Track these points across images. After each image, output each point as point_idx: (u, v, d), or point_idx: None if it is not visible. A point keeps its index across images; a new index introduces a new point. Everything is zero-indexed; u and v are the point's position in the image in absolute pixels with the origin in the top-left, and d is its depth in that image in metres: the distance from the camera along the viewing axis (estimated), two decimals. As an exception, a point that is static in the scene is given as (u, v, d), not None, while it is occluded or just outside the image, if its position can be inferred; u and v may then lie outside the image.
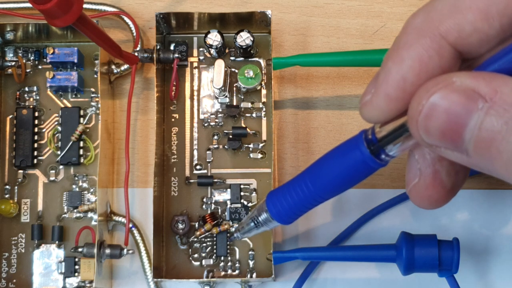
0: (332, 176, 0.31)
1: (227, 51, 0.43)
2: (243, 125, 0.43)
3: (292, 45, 0.44)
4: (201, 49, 0.43)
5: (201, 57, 0.43)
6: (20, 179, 0.43)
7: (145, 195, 0.43)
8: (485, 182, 0.43)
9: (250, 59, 0.43)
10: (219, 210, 0.42)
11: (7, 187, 0.43)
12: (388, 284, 0.42)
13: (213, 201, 0.42)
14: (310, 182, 0.32)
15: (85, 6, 0.42)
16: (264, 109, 0.43)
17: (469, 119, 0.26)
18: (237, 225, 0.37)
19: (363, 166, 0.30)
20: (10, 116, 0.43)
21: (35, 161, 0.43)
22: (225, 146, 0.43)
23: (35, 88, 0.43)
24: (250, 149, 0.43)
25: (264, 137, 0.43)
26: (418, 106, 0.27)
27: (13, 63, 0.43)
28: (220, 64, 0.42)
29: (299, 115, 0.43)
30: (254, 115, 0.43)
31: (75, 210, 0.42)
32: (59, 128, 0.43)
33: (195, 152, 0.43)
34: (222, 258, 0.42)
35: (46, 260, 0.42)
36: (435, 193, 0.31)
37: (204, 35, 0.42)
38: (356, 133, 0.43)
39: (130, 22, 0.43)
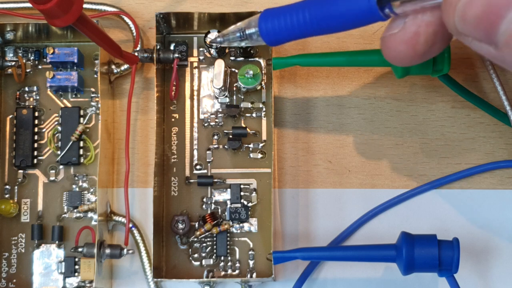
0: (332, 13, 0.32)
1: (227, 51, 0.43)
2: (243, 125, 0.43)
3: (292, 45, 0.44)
4: (201, 49, 0.43)
5: (201, 57, 0.43)
6: (20, 179, 0.43)
7: (145, 195, 0.43)
8: (485, 182, 0.43)
9: (250, 59, 0.43)
10: (219, 210, 0.42)
11: (7, 187, 0.43)
12: (388, 284, 0.42)
13: (213, 201, 0.42)
14: (309, 13, 0.33)
15: (85, 6, 0.42)
16: (264, 109, 0.43)
17: (508, 11, 0.27)
18: (222, 32, 0.37)
19: (365, 13, 0.31)
20: (10, 116, 0.43)
21: (35, 161, 0.43)
22: (225, 146, 0.43)
23: (35, 88, 0.43)
24: (250, 149, 0.43)
25: (264, 137, 0.43)
26: None
27: (13, 63, 0.43)
28: (220, 64, 0.42)
29: (299, 115, 0.44)
30: (254, 115, 0.43)
31: (75, 210, 0.42)
32: (59, 128, 0.43)
33: (195, 152, 0.43)
34: (222, 258, 0.42)
35: (46, 260, 0.42)
36: (404, 49, 0.32)
37: (204, 35, 0.42)
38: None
39: (130, 22, 0.43)
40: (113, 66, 0.43)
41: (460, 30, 0.29)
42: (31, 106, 0.43)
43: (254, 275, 0.42)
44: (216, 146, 0.43)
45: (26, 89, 0.43)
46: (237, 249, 0.42)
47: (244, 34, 0.35)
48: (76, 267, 0.42)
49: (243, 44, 0.36)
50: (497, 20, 0.27)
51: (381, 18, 0.31)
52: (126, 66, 0.43)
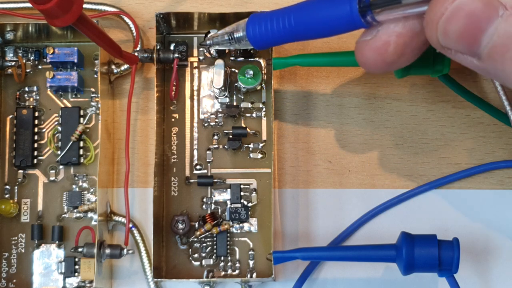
0: (315, 20, 0.34)
1: (227, 51, 0.43)
2: (243, 125, 0.43)
3: (292, 45, 0.44)
4: (201, 49, 0.43)
5: (201, 57, 0.43)
6: (20, 179, 0.43)
7: (145, 195, 0.43)
8: (485, 182, 0.43)
9: (250, 59, 0.43)
10: (219, 210, 0.42)
11: (7, 187, 0.43)
12: (388, 284, 0.42)
13: (213, 201, 0.42)
14: (294, 19, 0.34)
15: (85, 6, 0.42)
16: (264, 109, 0.43)
17: (489, 25, 0.28)
18: (211, 34, 0.38)
19: (347, 20, 0.33)
20: (10, 116, 0.43)
21: (35, 161, 0.43)
22: (225, 146, 0.43)
23: (35, 88, 0.43)
24: (250, 149, 0.43)
25: (264, 137, 0.43)
26: (440, 9, 0.28)
27: (13, 63, 0.43)
28: (220, 64, 0.42)
29: (299, 115, 0.44)
30: (254, 115, 0.43)
31: (75, 210, 0.42)
32: (59, 128, 0.43)
33: (195, 152, 0.43)
34: (222, 258, 0.42)
35: (46, 260, 0.42)
36: (374, 56, 0.33)
37: (204, 35, 0.42)
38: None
39: (130, 22, 0.43)
40: (113, 66, 0.43)
41: (444, 45, 0.30)
42: (31, 106, 0.43)
43: (254, 275, 0.42)
44: (216, 146, 0.43)
45: (26, 89, 0.43)
46: (237, 249, 0.42)
47: (232, 38, 0.37)
48: (76, 267, 0.42)
49: (231, 47, 0.37)
50: (479, 34, 0.28)
51: (363, 25, 0.33)
52: (126, 66, 0.43)
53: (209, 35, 0.39)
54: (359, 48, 0.34)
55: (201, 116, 0.43)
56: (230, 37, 0.37)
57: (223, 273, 0.42)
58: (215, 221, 0.42)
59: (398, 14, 0.31)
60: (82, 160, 0.43)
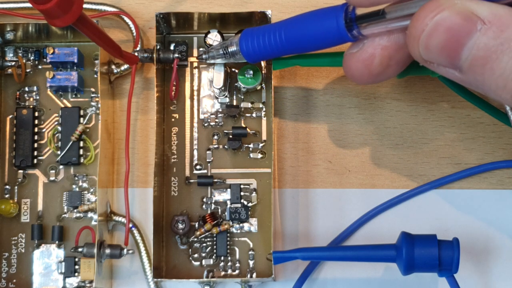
0: (304, 35, 0.35)
1: (227, 51, 0.43)
2: (243, 125, 0.43)
3: (292, 45, 0.44)
4: (201, 49, 0.43)
5: (201, 57, 0.43)
6: (20, 179, 0.43)
7: (145, 195, 0.43)
8: (485, 182, 0.43)
9: (250, 59, 0.43)
10: (219, 210, 0.42)
11: (7, 187, 0.43)
12: (388, 284, 0.42)
13: (213, 201, 0.42)
14: (284, 34, 0.36)
15: (85, 6, 0.42)
16: (264, 109, 0.43)
17: (468, 39, 0.29)
18: (206, 49, 0.40)
19: (334, 34, 0.34)
20: (10, 116, 0.43)
21: (35, 161, 0.43)
22: (225, 146, 0.43)
23: (35, 88, 0.43)
24: (250, 149, 0.43)
25: (264, 137, 0.43)
26: (421, 25, 0.29)
27: (13, 63, 0.43)
28: (220, 64, 0.42)
29: (299, 115, 0.44)
30: (254, 115, 0.43)
31: (75, 210, 0.42)
32: (59, 128, 0.43)
33: (195, 152, 0.43)
34: (222, 258, 0.42)
35: (46, 260, 0.42)
36: (360, 68, 0.34)
37: (204, 35, 0.42)
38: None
39: (130, 22, 0.43)
40: (113, 66, 0.43)
41: (426, 58, 0.31)
42: (31, 106, 0.43)
43: (254, 275, 0.42)
44: (216, 146, 0.43)
45: (26, 89, 0.43)
46: (237, 249, 0.42)
47: (226, 52, 0.39)
48: (76, 267, 0.42)
49: (226, 61, 0.39)
50: (459, 48, 0.29)
51: (349, 39, 0.34)
52: (126, 66, 0.43)
53: (206, 49, 0.40)
54: (346, 60, 0.35)
55: (201, 116, 0.43)
56: (224, 52, 0.39)
57: (223, 273, 0.42)
58: (215, 221, 0.42)
59: (382, 28, 0.33)
60: (82, 160, 0.43)
